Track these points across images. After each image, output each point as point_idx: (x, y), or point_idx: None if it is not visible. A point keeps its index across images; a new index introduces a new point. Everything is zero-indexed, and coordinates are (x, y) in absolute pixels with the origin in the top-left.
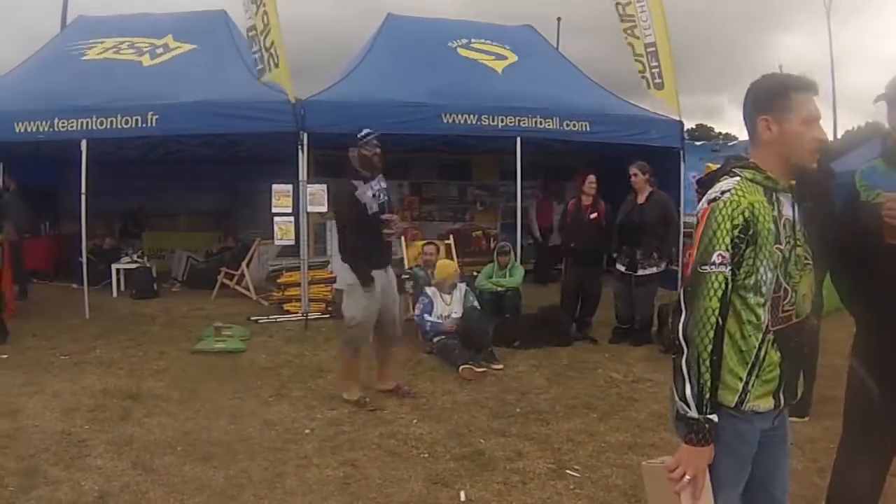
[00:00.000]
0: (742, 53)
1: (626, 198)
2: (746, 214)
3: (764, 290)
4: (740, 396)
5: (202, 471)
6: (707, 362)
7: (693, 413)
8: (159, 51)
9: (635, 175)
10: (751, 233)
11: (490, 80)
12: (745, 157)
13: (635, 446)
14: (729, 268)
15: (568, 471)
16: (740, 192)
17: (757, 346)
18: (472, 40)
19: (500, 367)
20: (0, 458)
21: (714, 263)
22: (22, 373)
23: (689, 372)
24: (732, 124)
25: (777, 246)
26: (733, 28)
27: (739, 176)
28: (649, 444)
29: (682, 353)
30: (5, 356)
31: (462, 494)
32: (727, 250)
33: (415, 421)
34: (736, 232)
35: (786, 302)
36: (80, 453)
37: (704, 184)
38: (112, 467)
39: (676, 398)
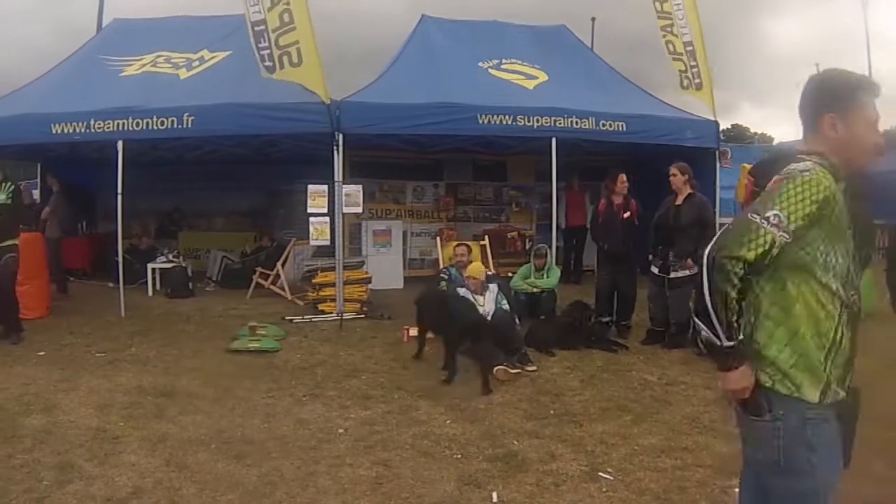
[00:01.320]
0: (735, 43)
1: (663, 198)
2: (826, 194)
3: (839, 271)
4: (823, 387)
5: (235, 468)
6: (732, 304)
7: (726, 342)
8: (195, 63)
9: (674, 175)
10: (826, 213)
11: (521, 94)
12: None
13: (668, 450)
14: (781, 233)
15: (601, 473)
16: (821, 174)
17: (833, 328)
18: (503, 61)
19: (534, 368)
20: (36, 453)
21: (767, 220)
22: (58, 369)
23: (715, 311)
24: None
25: (849, 232)
26: (721, 14)
27: (811, 161)
28: (682, 448)
29: (707, 291)
30: (42, 353)
31: (494, 496)
32: (791, 220)
33: (448, 422)
34: (813, 208)
35: (852, 289)
36: (115, 449)
37: (760, 173)
38: (146, 464)
39: (707, 332)
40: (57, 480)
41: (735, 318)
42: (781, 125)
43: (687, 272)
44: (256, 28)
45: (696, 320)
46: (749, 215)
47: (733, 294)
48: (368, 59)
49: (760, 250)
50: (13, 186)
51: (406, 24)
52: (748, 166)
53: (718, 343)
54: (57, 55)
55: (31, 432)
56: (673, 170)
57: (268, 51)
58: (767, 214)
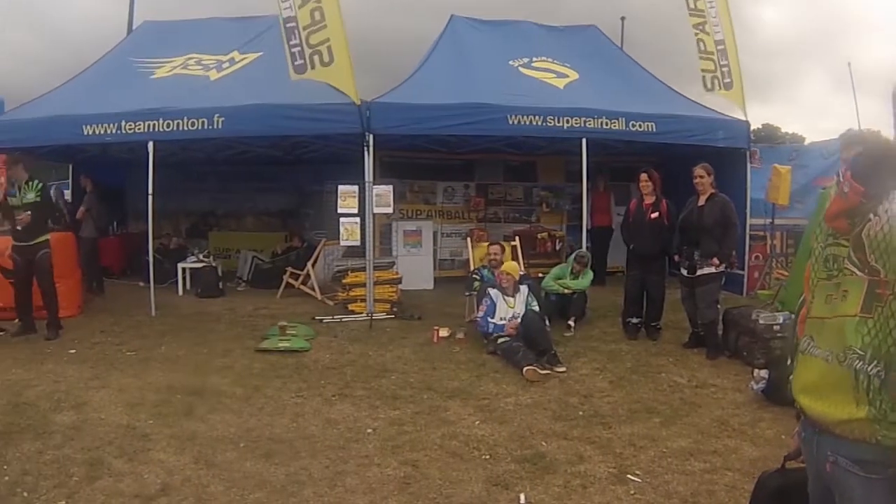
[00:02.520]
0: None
1: (684, 199)
2: None
3: None
4: None
5: (263, 467)
6: None
7: None
8: (225, 65)
9: (701, 177)
10: None
11: (552, 95)
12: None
13: (697, 453)
14: None
15: (629, 476)
16: None
17: None
18: (534, 59)
19: (563, 369)
20: (66, 449)
21: None
22: (89, 367)
23: None
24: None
25: None
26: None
27: None
28: (711, 451)
29: None
30: (73, 351)
31: (522, 497)
32: None
33: (477, 422)
34: None
35: None
36: (144, 447)
37: (870, 174)
38: (174, 461)
39: None
40: (86, 476)
41: None
42: (792, 123)
43: (712, 269)
44: (288, 25)
45: None
46: None
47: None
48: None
49: None
50: (41, 185)
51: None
52: (780, 167)
53: None
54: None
55: (61, 429)
56: (700, 171)
57: (299, 48)
58: None
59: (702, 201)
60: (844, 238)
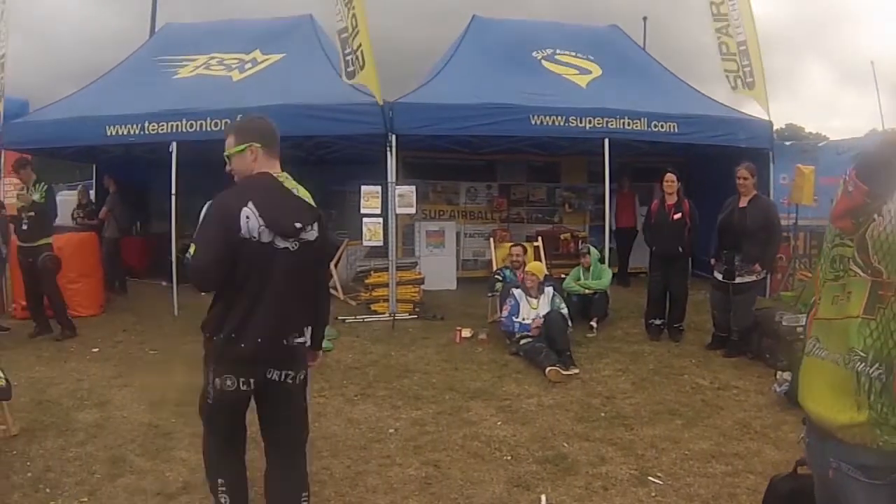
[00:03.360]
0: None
1: (715, 199)
2: None
3: None
4: None
5: None
6: None
7: None
8: (248, 65)
9: (745, 178)
10: None
11: (574, 93)
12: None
13: (719, 455)
14: None
15: (650, 478)
16: None
17: None
18: (557, 52)
19: (577, 371)
20: (88, 447)
21: None
22: (112, 366)
23: None
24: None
25: None
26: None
27: None
28: (733, 454)
29: None
30: (96, 350)
31: (543, 498)
32: None
33: (499, 423)
34: None
35: None
36: (166, 445)
37: (872, 174)
38: (196, 460)
39: None
40: (108, 474)
41: None
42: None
43: (753, 278)
44: (342, 35)
45: None
46: None
47: None
48: None
49: None
50: (46, 187)
51: None
52: (804, 167)
53: None
54: None
55: (84, 426)
56: (744, 172)
57: (351, 56)
58: None
59: (744, 203)
60: (850, 238)
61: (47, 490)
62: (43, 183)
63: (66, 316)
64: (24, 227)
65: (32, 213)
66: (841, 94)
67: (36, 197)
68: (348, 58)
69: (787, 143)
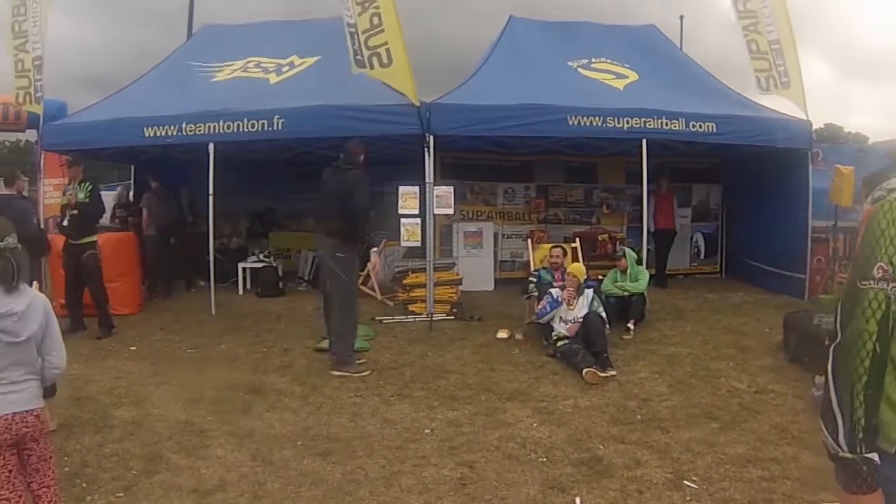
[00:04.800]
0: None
1: (751, 200)
2: None
3: None
4: None
5: (320, 465)
6: (861, 396)
7: (846, 453)
8: (285, 68)
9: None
10: None
11: (611, 95)
12: None
13: (755, 460)
14: (893, 284)
15: (685, 482)
16: None
17: None
18: (593, 60)
19: (613, 373)
20: (125, 443)
21: (874, 278)
22: (150, 364)
23: (840, 405)
24: None
25: None
26: None
27: None
28: (770, 459)
29: (832, 383)
30: (134, 348)
31: (577, 501)
32: (891, 263)
33: (535, 424)
34: None
35: None
36: (202, 443)
37: (871, 182)
38: (232, 458)
39: (827, 435)
40: (145, 470)
41: (863, 416)
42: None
43: None
44: (350, 30)
45: (822, 422)
46: (858, 284)
47: (860, 384)
48: None
49: (879, 314)
50: (91, 186)
51: None
52: (843, 168)
53: (837, 451)
54: None
55: (121, 423)
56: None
57: (357, 47)
58: (873, 273)
59: None
60: None
61: (84, 485)
62: (88, 182)
63: (108, 314)
64: (66, 224)
65: (76, 212)
66: (845, 90)
67: (81, 196)
68: (354, 47)
69: (841, 146)
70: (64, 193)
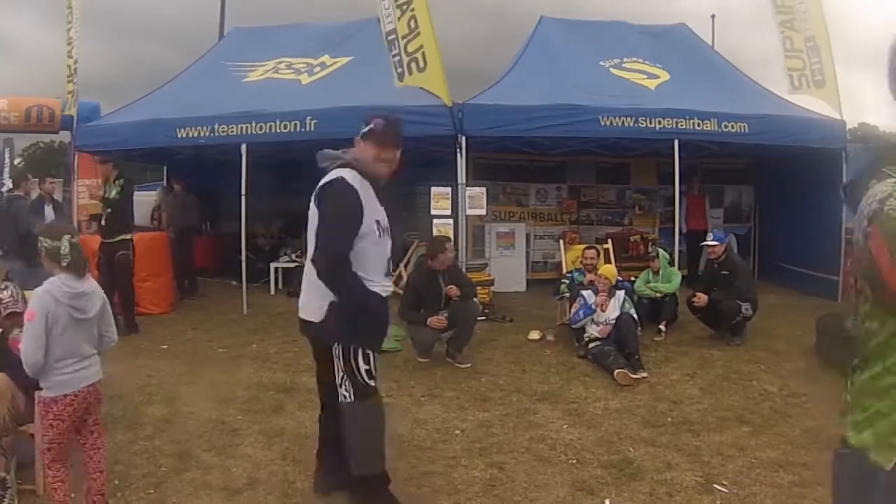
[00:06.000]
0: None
1: (785, 201)
2: None
3: None
4: None
5: None
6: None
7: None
8: (317, 69)
9: None
10: None
11: (643, 95)
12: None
13: (787, 464)
14: None
15: (716, 485)
16: None
17: None
18: (624, 60)
19: (645, 375)
20: (156, 441)
21: None
22: (181, 363)
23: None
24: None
25: None
26: None
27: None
28: (801, 463)
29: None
30: (165, 347)
31: (607, 503)
32: None
33: (565, 426)
34: None
35: None
36: (232, 441)
37: (848, 188)
38: (262, 456)
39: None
40: (175, 468)
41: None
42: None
43: None
44: (389, 38)
45: None
46: None
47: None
48: None
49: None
50: (123, 182)
51: None
52: None
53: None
54: None
55: (152, 421)
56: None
57: (398, 58)
58: None
59: None
60: None
61: (115, 481)
62: (121, 180)
63: (133, 316)
64: (103, 223)
65: (109, 210)
66: (851, 84)
67: (112, 194)
68: (395, 59)
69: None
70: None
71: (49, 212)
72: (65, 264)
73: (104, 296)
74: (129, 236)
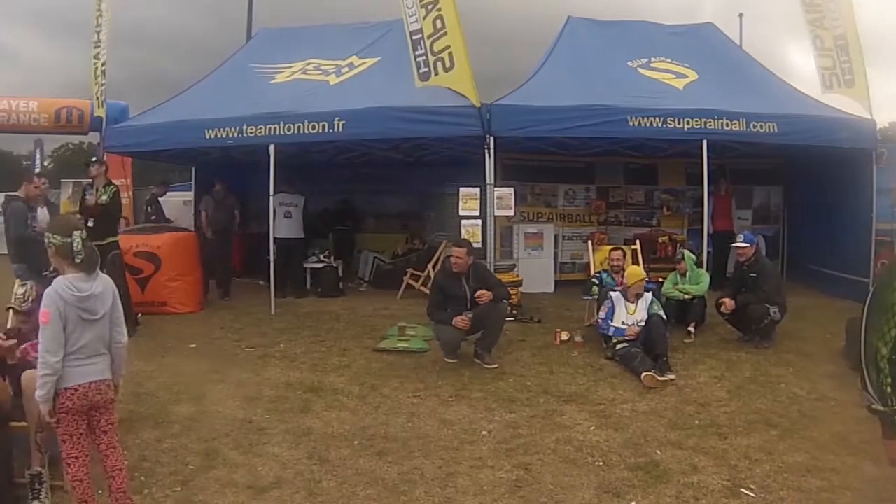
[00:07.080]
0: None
1: (816, 201)
2: None
3: None
4: None
5: (376, 465)
6: (885, 361)
7: (878, 406)
8: (344, 70)
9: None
10: None
11: (671, 95)
12: None
13: (814, 469)
14: None
15: (742, 489)
16: None
17: None
18: (652, 59)
19: (673, 377)
20: (183, 439)
21: None
22: (208, 362)
23: (866, 362)
24: None
25: None
26: None
27: None
28: (829, 468)
29: (862, 340)
30: (193, 346)
31: None
32: None
33: (592, 428)
34: None
35: None
36: (259, 440)
37: None
38: (288, 456)
39: (862, 389)
40: (202, 465)
41: (889, 373)
42: None
43: None
44: (414, 37)
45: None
46: None
47: (884, 351)
48: None
49: None
50: (115, 189)
51: None
52: None
53: (871, 402)
54: None
55: (179, 419)
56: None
57: (423, 58)
58: None
59: None
60: None
61: (142, 479)
62: (113, 186)
63: (130, 310)
64: (92, 225)
65: (101, 213)
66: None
67: (104, 198)
68: (419, 59)
69: None
70: (84, 195)
71: (43, 213)
72: (78, 261)
73: (116, 293)
74: (116, 238)
